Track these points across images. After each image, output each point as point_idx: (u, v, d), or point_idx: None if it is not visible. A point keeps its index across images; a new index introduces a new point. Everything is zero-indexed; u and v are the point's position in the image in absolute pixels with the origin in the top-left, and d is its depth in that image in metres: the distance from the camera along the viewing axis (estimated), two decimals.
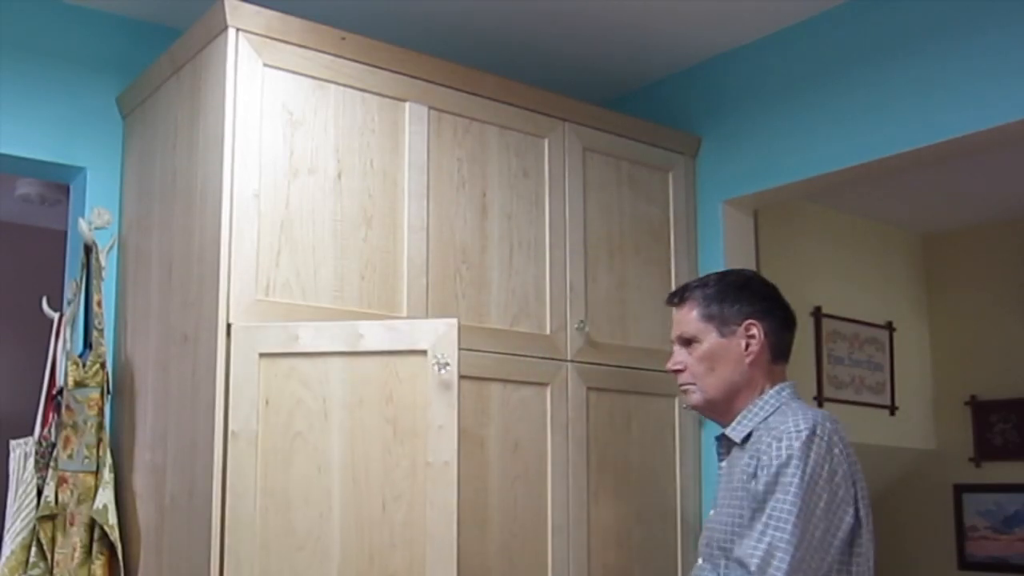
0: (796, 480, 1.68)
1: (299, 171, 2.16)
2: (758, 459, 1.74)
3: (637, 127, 2.77)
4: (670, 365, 2.00)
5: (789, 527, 1.66)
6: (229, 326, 2.01)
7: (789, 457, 1.69)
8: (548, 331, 2.51)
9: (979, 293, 4.42)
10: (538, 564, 2.40)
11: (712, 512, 1.91)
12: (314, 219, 2.17)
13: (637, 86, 3.13)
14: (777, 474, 1.69)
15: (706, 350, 1.93)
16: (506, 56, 2.87)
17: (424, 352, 2.02)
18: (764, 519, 1.68)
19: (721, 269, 2.18)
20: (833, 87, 2.62)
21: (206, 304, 2.06)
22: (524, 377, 2.44)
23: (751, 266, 2.97)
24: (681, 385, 1.99)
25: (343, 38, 2.24)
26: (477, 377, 2.34)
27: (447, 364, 2.00)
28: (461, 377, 2.05)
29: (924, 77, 2.43)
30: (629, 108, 3.07)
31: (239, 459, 1.95)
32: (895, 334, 4.27)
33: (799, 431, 1.72)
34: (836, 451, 1.73)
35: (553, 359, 2.50)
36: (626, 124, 2.75)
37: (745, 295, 1.94)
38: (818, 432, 1.72)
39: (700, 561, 1.90)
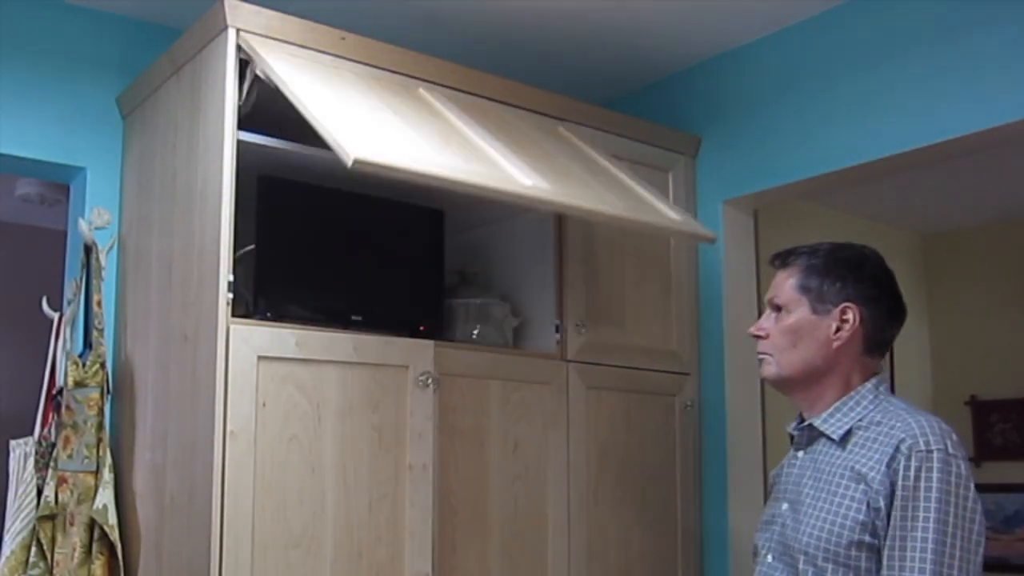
0: (963, 502, 1.62)
1: None
2: (896, 475, 1.64)
3: (637, 127, 2.77)
4: (753, 329, 1.89)
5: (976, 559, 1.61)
6: (229, 326, 2.01)
7: (942, 472, 1.61)
8: None
9: (979, 293, 4.43)
10: (538, 564, 2.40)
11: (784, 507, 1.82)
12: None
13: (637, 86, 3.13)
14: (940, 500, 1.60)
15: (793, 323, 1.81)
16: (506, 56, 2.88)
17: (406, 367, 2.18)
18: (946, 550, 1.59)
19: (829, 243, 1.92)
20: (833, 87, 2.62)
21: (206, 304, 2.06)
22: (524, 377, 2.44)
23: (751, 267, 2.97)
24: (759, 353, 1.86)
25: (343, 38, 2.24)
26: (477, 377, 2.35)
27: (426, 380, 2.19)
28: (461, 376, 2.31)
29: (924, 77, 2.43)
30: (629, 108, 3.07)
31: (238, 459, 1.96)
32: None
33: (939, 446, 1.64)
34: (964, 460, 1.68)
35: (553, 359, 2.50)
36: (626, 124, 2.75)
37: (854, 276, 1.80)
38: (953, 440, 1.66)
39: (770, 559, 1.81)
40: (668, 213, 2.37)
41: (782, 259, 1.89)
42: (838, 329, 1.79)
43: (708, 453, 2.81)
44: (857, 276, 1.82)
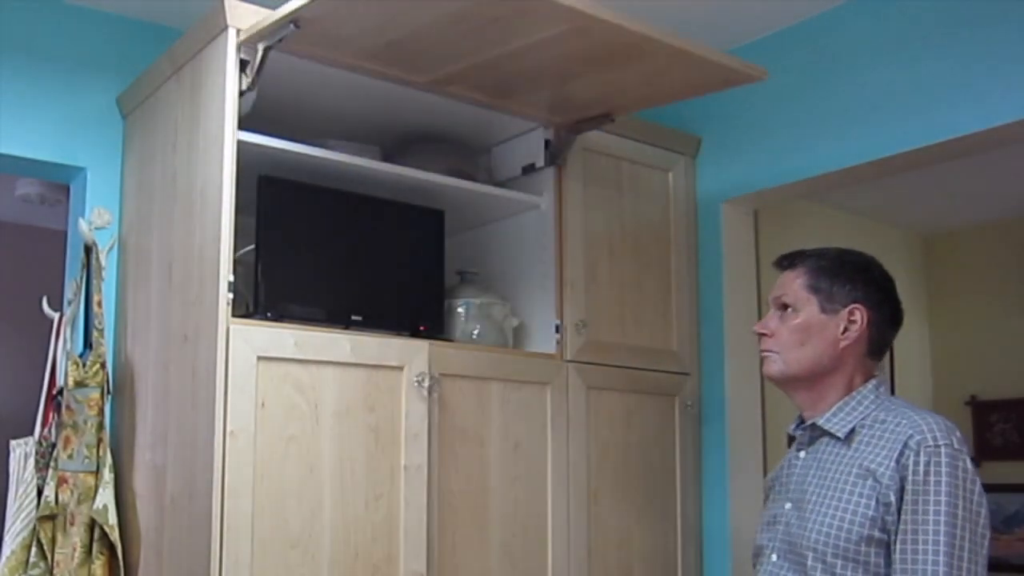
0: (966, 501, 1.64)
1: None
2: (906, 470, 1.66)
3: (637, 127, 2.77)
4: (758, 327, 1.90)
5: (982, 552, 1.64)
6: (229, 326, 2.01)
7: (951, 468, 1.64)
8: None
9: (979, 293, 4.43)
10: (538, 564, 2.40)
11: (788, 506, 1.83)
12: None
13: None
14: (949, 494, 1.63)
15: (801, 322, 1.83)
16: None
17: (401, 368, 2.19)
18: (956, 544, 1.62)
19: (835, 247, 1.95)
20: (833, 87, 2.62)
21: (206, 304, 2.06)
22: (524, 377, 2.44)
23: (751, 267, 2.97)
24: (763, 350, 1.89)
25: None
26: (477, 377, 2.35)
27: (421, 380, 2.19)
28: (461, 376, 2.29)
29: (924, 77, 2.43)
30: None
31: (237, 459, 1.96)
32: None
33: (946, 441, 1.66)
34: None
35: (553, 359, 2.50)
36: (626, 124, 2.75)
37: (861, 279, 1.84)
38: (958, 437, 1.68)
39: (774, 558, 1.82)
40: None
41: (790, 260, 1.91)
42: (846, 329, 1.82)
43: (708, 453, 2.81)
44: (865, 279, 1.85)
